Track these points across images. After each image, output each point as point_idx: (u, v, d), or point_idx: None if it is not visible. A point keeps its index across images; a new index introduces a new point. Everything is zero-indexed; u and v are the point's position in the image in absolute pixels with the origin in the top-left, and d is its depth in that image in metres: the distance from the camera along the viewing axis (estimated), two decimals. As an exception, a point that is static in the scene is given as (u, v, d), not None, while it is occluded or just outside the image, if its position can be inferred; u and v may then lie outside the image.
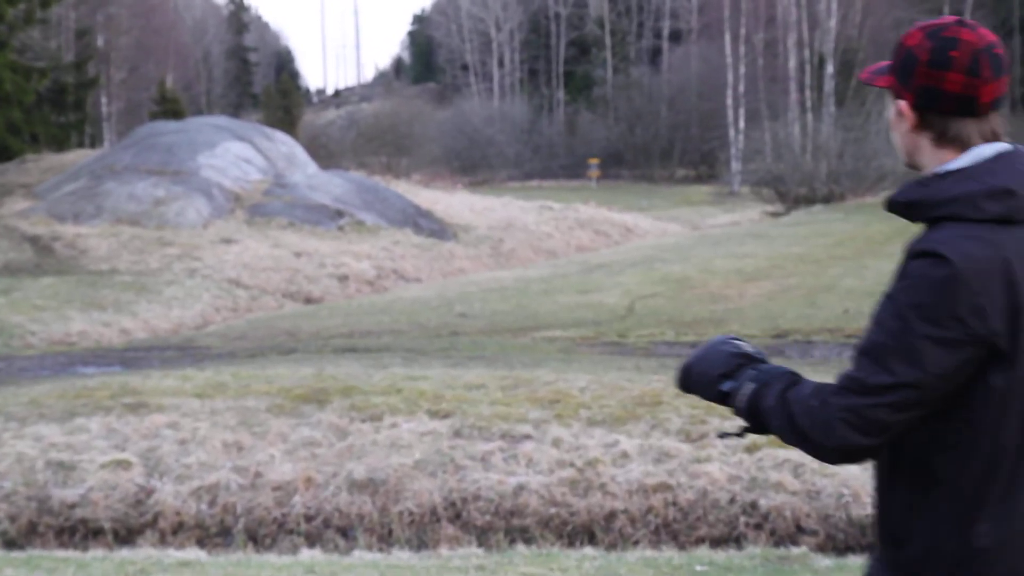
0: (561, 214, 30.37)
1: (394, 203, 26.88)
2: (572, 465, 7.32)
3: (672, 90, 57.26)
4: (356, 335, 13.74)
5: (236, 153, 26.71)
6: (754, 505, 6.85)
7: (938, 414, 1.84)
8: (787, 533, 6.71)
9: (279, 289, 19.93)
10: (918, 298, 1.80)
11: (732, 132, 48.89)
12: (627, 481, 7.11)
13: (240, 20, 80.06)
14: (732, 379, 2.03)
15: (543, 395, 8.58)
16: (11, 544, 6.97)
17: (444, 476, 7.28)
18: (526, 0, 67.80)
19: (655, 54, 63.68)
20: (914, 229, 1.93)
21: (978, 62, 1.86)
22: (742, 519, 6.81)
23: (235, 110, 62.58)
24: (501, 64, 68.56)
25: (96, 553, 6.60)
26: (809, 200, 33.55)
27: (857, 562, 5.91)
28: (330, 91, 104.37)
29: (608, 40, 63.44)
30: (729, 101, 49.36)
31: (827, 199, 33.32)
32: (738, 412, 2.02)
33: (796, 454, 6.90)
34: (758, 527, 6.77)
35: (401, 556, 6.47)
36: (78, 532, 7.13)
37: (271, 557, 6.49)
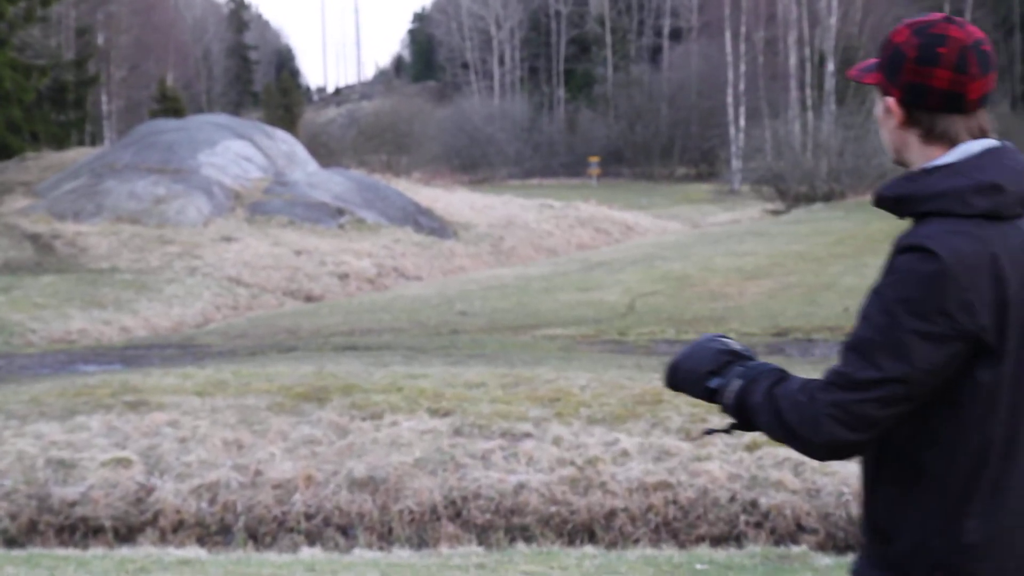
0: (561, 212, 30.36)
1: (394, 201, 26.88)
2: (572, 463, 7.32)
3: (672, 88, 57.23)
4: (356, 333, 13.74)
5: (236, 151, 26.70)
6: (754, 503, 6.86)
7: (925, 409, 1.84)
8: (787, 531, 6.71)
9: (279, 287, 19.93)
10: (906, 293, 1.80)
11: (732, 130, 48.87)
12: (627, 479, 7.11)
13: (240, 18, 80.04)
14: (720, 376, 2.03)
15: (543, 393, 8.58)
16: (11, 542, 6.97)
17: (444, 474, 7.28)
18: (526, -2, 67.85)
19: (655, 52, 63.64)
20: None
21: (966, 59, 1.87)
22: (742, 517, 6.81)
23: (235, 108, 62.58)
24: (501, 62, 68.53)
25: (96, 551, 6.61)
26: (809, 198, 33.53)
27: (857, 560, 5.90)
28: (330, 89, 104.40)
29: (608, 38, 63.42)
30: (729, 99, 49.34)
31: (827, 197, 33.30)
32: (725, 409, 2.02)
33: (797, 453, 6.90)
34: (758, 525, 6.77)
35: (401, 554, 6.47)
36: (78, 530, 7.13)
37: (271, 555, 6.49)
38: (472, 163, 56.20)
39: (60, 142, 34.82)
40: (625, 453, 7.39)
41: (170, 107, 41.21)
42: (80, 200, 23.75)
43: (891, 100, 1.94)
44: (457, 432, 7.82)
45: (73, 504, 7.24)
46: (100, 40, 44.39)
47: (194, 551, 6.57)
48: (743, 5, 48.72)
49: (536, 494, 7.07)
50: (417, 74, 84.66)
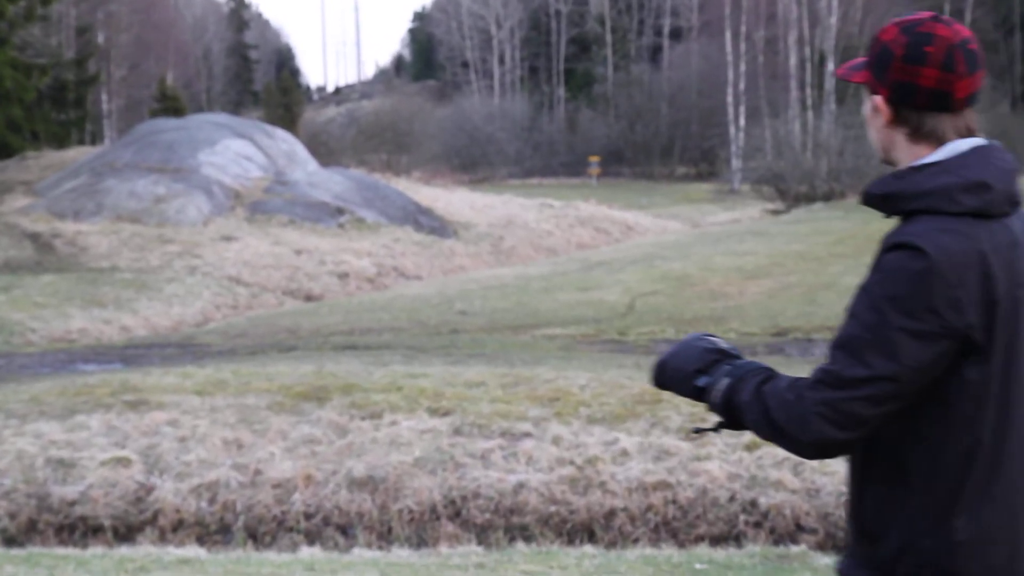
0: (561, 212, 30.35)
1: (394, 200, 26.88)
2: (572, 463, 7.32)
3: (672, 88, 57.22)
4: (356, 333, 13.74)
5: (236, 150, 26.70)
6: (754, 503, 6.86)
7: (913, 408, 1.84)
8: (787, 531, 6.72)
9: (279, 286, 19.93)
10: (894, 290, 1.80)
11: (732, 130, 48.87)
12: (627, 479, 7.11)
13: (240, 17, 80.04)
14: (707, 375, 2.03)
15: (543, 393, 8.58)
16: (11, 541, 6.98)
17: (444, 474, 7.28)
18: (526, -3, 67.85)
19: (656, 51, 63.65)
20: None
21: (953, 57, 1.87)
22: (742, 517, 6.81)
23: (235, 107, 62.56)
24: (502, 61, 68.52)
25: (96, 550, 6.61)
26: (809, 198, 33.53)
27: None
28: (330, 88, 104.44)
29: (609, 37, 63.42)
30: (729, 99, 49.33)
31: (827, 197, 33.29)
32: (713, 407, 2.02)
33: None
34: (758, 525, 6.77)
35: (401, 554, 6.47)
36: (78, 529, 7.13)
37: (271, 555, 6.49)
38: (472, 162, 56.19)
39: (60, 141, 34.82)
40: (624, 453, 7.39)
41: (170, 106, 41.21)
42: (80, 199, 23.75)
43: (879, 98, 1.94)
44: (457, 432, 7.82)
45: (73, 503, 7.24)
46: (100, 39, 44.39)
47: (194, 550, 6.57)
48: (743, 4, 48.72)
49: (536, 494, 7.08)
50: (417, 73, 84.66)
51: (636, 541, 6.75)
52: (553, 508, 7.00)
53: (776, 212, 33.39)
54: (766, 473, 7.02)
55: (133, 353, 12.68)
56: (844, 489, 6.77)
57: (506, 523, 6.95)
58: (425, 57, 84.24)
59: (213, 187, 24.60)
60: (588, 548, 6.52)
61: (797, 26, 48.27)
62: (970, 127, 1.92)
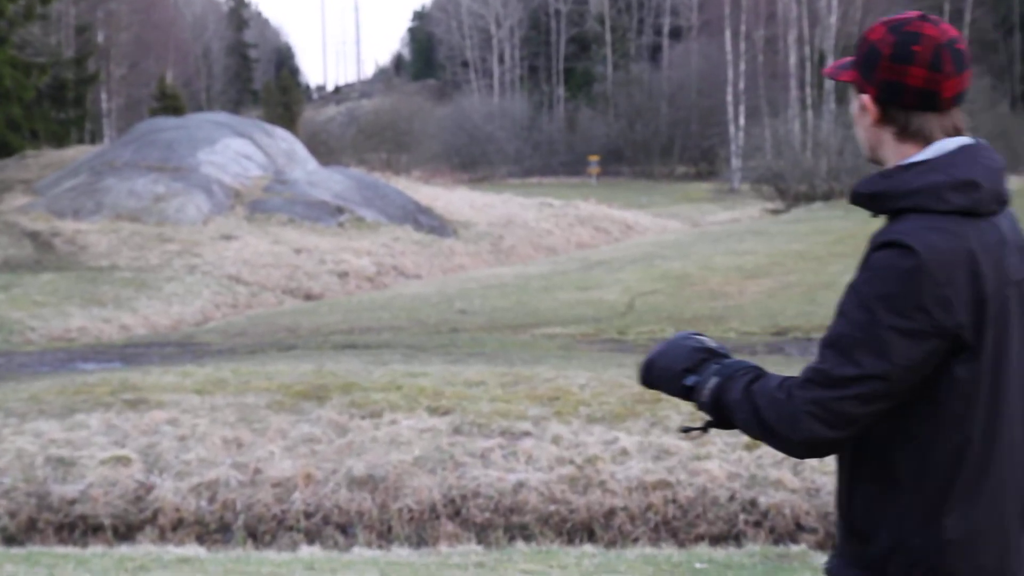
0: (561, 211, 30.35)
1: (394, 200, 26.87)
2: (572, 462, 7.32)
3: (672, 87, 57.21)
4: (356, 332, 13.74)
5: (236, 149, 26.70)
6: (753, 503, 6.86)
7: (903, 406, 1.83)
8: (786, 531, 6.72)
9: (279, 285, 19.93)
10: (884, 289, 1.79)
11: (732, 129, 48.86)
12: (627, 478, 7.11)
13: (240, 16, 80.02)
14: (695, 374, 2.02)
15: (543, 392, 8.58)
16: (11, 540, 6.97)
17: (444, 473, 7.28)
18: (526, -3, 67.84)
19: (655, 51, 63.64)
20: None
21: (940, 57, 1.87)
22: (742, 516, 6.81)
23: (235, 106, 62.56)
24: (501, 61, 68.52)
25: (96, 549, 6.61)
26: (809, 197, 33.52)
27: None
28: (330, 87, 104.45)
29: (608, 37, 63.41)
30: (729, 98, 49.33)
31: (827, 196, 33.27)
32: (701, 406, 2.01)
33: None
34: (757, 524, 6.77)
35: (401, 553, 6.47)
36: (78, 528, 7.13)
37: (271, 554, 6.49)
38: (472, 161, 56.19)
39: (60, 140, 34.80)
40: (624, 452, 7.39)
41: (170, 105, 41.20)
42: (80, 198, 23.74)
43: (866, 97, 1.94)
44: (456, 431, 7.82)
45: (72, 502, 7.24)
46: (100, 38, 44.38)
47: (193, 549, 6.57)
48: (743, 4, 48.71)
49: (535, 493, 7.08)
50: (417, 72, 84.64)
51: (636, 540, 6.75)
52: (553, 507, 7.00)
53: (776, 211, 33.39)
54: (766, 472, 7.02)
55: (133, 352, 12.68)
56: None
57: (506, 522, 6.95)
58: (425, 56, 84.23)
59: (213, 186, 24.59)
60: (588, 547, 6.52)
61: (797, 25, 48.28)
62: (957, 126, 1.92)
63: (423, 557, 6.27)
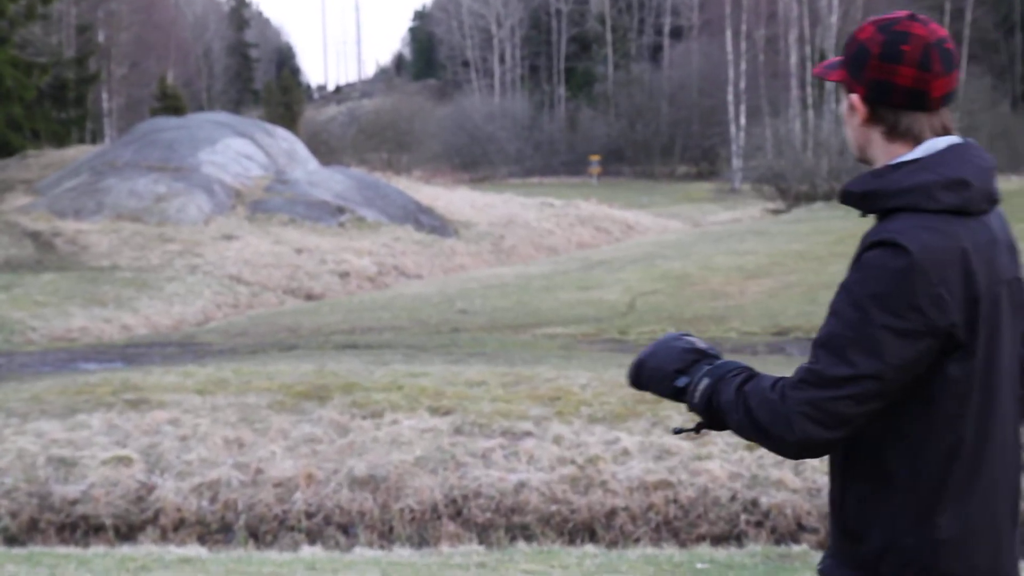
0: (562, 211, 30.35)
1: (395, 199, 26.87)
2: (573, 462, 7.32)
3: (673, 87, 57.21)
4: (357, 332, 13.74)
5: (237, 149, 26.71)
6: (755, 503, 6.86)
7: (896, 406, 1.83)
8: (788, 531, 6.72)
9: (280, 285, 19.93)
10: (877, 288, 1.79)
11: (733, 129, 48.87)
12: (628, 478, 7.11)
13: (241, 16, 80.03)
14: (686, 375, 2.00)
15: (544, 392, 8.58)
16: (12, 540, 6.98)
17: (445, 473, 7.28)
18: (527, -4, 67.85)
19: (656, 50, 63.64)
20: None
21: (929, 56, 1.87)
22: (743, 517, 6.81)
23: (236, 106, 62.59)
24: (502, 60, 68.52)
25: (97, 549, 6.61)
26: (810, 197, 33.50)
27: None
28: (331, 87, 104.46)
29: (609, 36, 63.41)
30: (730, 97, 49.33)
31: (828, 196, 33.24)
32: (693, 408, 1.99)
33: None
34: (759, 525, 6.77)
35: (402, 553, 6.47)
36: (79, 528, 7.14)
37: (272, 554, 6.49)
38: (473, 161, 56.20)
39: (61, 140, 34.81)
40: (626, 452, 7.39)
41: (171, 105, 41.20)
42: (81, 198, 23.75)
43: (855, 97, 1.94)
44: (458, 431, 7.82)
45: (74, 502, 7.25)
46: (101, 38, 44.39)
47: (195, 549, 6.57)
48: (744, 3, 48.72)
49: (537, 493, 7.08)
50: (418, 72, 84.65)
51: (637, 540, 6.75)
52: (554, 507, 7.00)
53: (777, 211, 33.39)
54: (767, 472, 7.03)
55: (134, 352, 12.68)
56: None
57: (507, 522, 6.95)
58: (426, 56, 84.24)
59: (214, 186, 24.60)
60: (589, 547, 6.52)
61: (798, 25, 48.28)
62: (946, 125, 1.92)
63: (424, 557, 6.27)
